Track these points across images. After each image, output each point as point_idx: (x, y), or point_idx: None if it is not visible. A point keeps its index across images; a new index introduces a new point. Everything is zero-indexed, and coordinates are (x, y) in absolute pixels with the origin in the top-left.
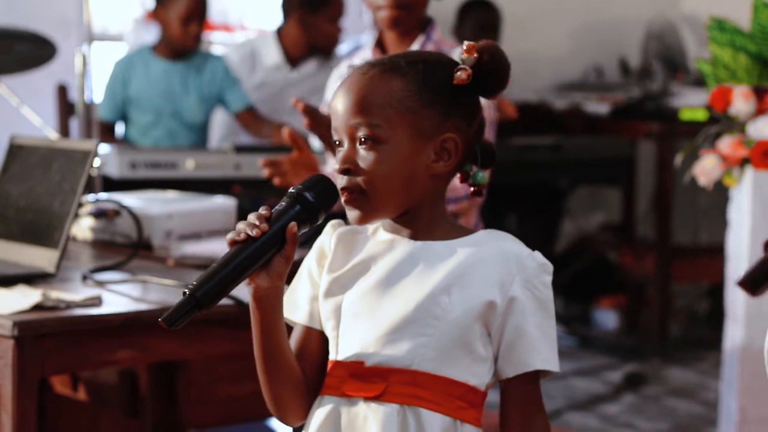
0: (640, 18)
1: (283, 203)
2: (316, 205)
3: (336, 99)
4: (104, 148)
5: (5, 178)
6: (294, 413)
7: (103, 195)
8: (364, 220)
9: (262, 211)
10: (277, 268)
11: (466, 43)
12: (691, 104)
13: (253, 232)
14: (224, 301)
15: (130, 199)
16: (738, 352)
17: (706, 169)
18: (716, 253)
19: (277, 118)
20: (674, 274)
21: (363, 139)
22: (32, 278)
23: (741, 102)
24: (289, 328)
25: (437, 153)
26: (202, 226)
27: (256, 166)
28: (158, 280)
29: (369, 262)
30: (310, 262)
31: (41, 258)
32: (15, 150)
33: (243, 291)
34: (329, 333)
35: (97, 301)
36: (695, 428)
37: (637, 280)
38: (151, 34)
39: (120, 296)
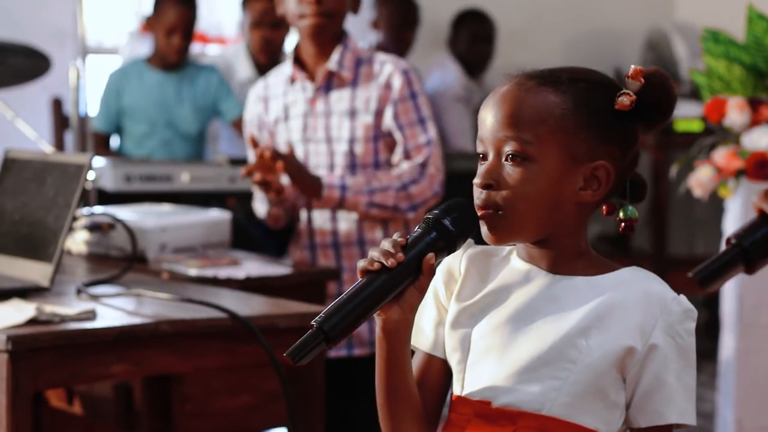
0: (635, 29)
1: (419, 229)
2: (455, 233)
3: (486, 109)
4: (99, 162)
5: None
6: None
7: (97, 208)
8: (498, 240)
9: (398, 237)
10: (410, 300)
11: (632, 67)
12: (686, 115)
13: (389, 262)
14: (218, 314)
15: (124, 213)
16: (734, 363)
17: (701, 180)
18: None
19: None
20: (670, 285)
21: (510, 155)
22: (26, 292)
23: (736, 113)
24: None
25: (587, 180)
26: (197, 239)
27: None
28: (153, 293)
29: (502, 293)
30: (437, 284)
31: (35, 272)
32: (9, 163)
33: (238, 304)
34: (454, 366)
35: (91, 315)
36: None
37: None
38: (146, 47)
39: (114, 310)
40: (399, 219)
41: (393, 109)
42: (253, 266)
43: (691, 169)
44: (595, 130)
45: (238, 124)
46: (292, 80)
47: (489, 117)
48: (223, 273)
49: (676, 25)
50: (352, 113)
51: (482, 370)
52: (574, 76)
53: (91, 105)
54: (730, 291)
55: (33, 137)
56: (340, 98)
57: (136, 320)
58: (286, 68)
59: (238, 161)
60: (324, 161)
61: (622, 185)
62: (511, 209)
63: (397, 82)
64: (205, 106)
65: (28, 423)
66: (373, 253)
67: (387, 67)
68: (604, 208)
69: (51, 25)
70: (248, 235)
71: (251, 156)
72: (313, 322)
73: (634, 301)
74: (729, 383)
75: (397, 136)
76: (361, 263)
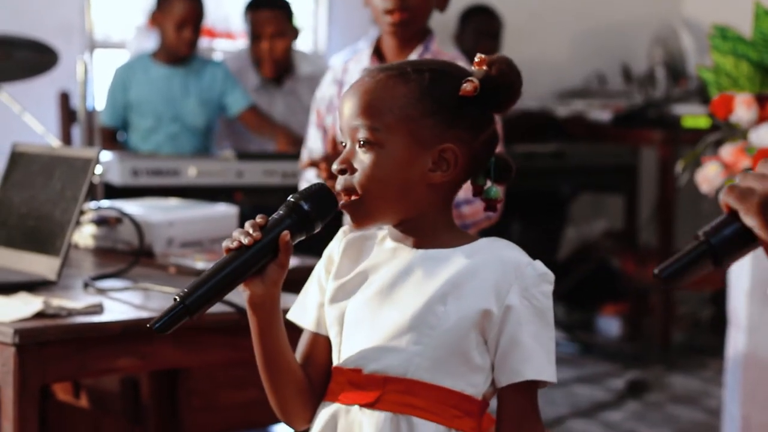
0: (642, 24)
1: (280, 212)
2: (312, 215)
3: (343, 100)
4: (106, 156)
5: (7, 185)
6: (299, 417)
7: (104, 202)
8: (360, 225)
9: (258, 219)
10: (272, 276)
11: (478, 55)
12: (693, 112)
13: (246, 240)
14: (225, 308)
15: (131, 207)
16: (741, 359)
17: (708, 176)
18: None
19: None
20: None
21: (362, 142)
22: (34, 286)
23: (743, 110)
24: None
25: (435, 162)
26: (203, 233)
27: (259, 173)
28: (159, 287)
29: (372, 270)
30: (319, 268)
31: (43, 265)
32: (17, 157)
33: (242, 299)
34: (333, 339)
35: (98, 309)
36: None
37: (639, 287)
38: (153, 41)
39: (121, 304)
40: None
41: None
42: None
43: (698, 165)
44: (440, 116)
45: (243, 117)
46: None
47: (345, 108)
48: None
49: (683, 21)
50: None
51: (355, 340)
52: (420, 67)
53: (99, 99)
54: (736, 287)
55: (40, 131)
56: None
57: (143, 314)
58: (364, 57)
59: (246, 156)
60: None
61: (481, 166)
62: (365, 192)
63: None
64: (210, 99)
65: (35, 416)
66: (235, 233)
67: None
68: (473, 189)
69: (58, 19)
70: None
71: (312, 133)
72: (175, 296)
73: (490, 267)
74: (736, 379)
75: None
76: (225, 242)
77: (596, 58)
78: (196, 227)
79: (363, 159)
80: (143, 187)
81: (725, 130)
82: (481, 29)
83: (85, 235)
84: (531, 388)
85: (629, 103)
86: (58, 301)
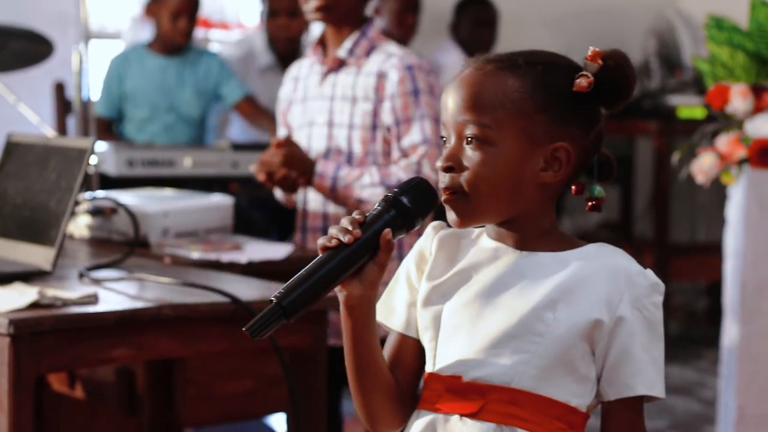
0: (637, 15)
1: (378, 207)
2: (413, 210)
3: (447, 93)
4: (101, 146)
5: (2, 175)
6: (386, 424)
7: (100, 193)
8: (463, 223)
9: (356, 215)
10: (370, 276)
11: (591, 48)
12: (688, 102)
13: (345, 238)
14: (220, 298)
15: (126, 197)
16: (736, 350)
17: (703, 167)
18: (714, 250)
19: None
20: (672, 272)
21: (470, 138)
22: (29, 276)
23: (739, 100)
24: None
25: (547, 161)
26: (199, 224)
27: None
28: (155, 278)
29: (471, 271)
30: (409, 265)
31: (38, 256)
32: (12, 148)
33: (242, 288)
34: (426, 344)
35: (93, 299)
36: (694, 426)
37: None
38: (148, 32)
39: (116, 294)
40: None
41: (391, 103)
42: (255, 251)
43: (694, 156)
44: (553, 112)
45: (240, 106)
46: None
47: (450, 101)
48: (226, 257)
49: (678, 11)
50: (353, 100)
51: (453, 346)
52: (532, 59)
53: (94, 89)
54: (732, 277)
55: (35, 121)
56: (345, 83)
57: (138, 304)
58: (308, 50)
59: (241, 146)
60: (323, 145)
61: (587, 165)
62: (473, 191)
63: (395, 76)
64: (206, 90)
65: (30, 407)
66: (332, 230)
67: (392, 59)
68: (573, 188)
69: (53, 9)
70: (251, 219)
71: (280, 133)
72: (272, 297)
73: (601, 275)
74: (731, 370)
75: (393, 131)
76: (321, 240)
77: (589, 49)
78: (191, 218)
79: (471, 156)
80: (138, 178)
81: (721, 121)
82: (477, 19)
83: (80, 225)
84: (639, 402)
85: None
86: (53, 292)
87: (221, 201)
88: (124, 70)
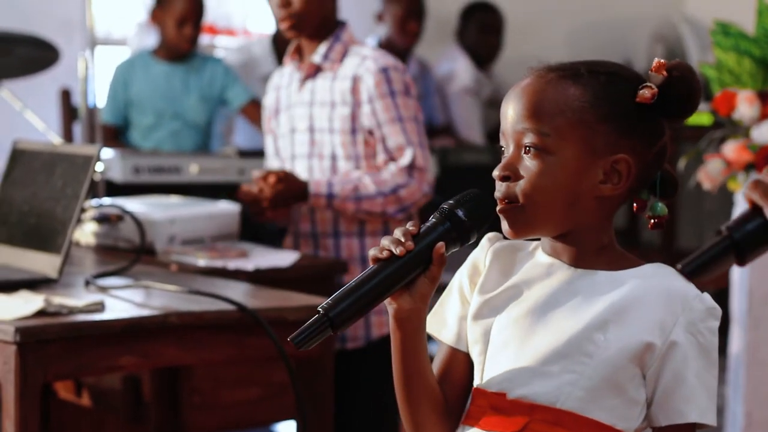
0: (643, 21)
1: (433, 219)
2: (468, 224)
3: (507, 101)
4: (107, 153)
5: (8, 182)
6: None
7: (106, 200)
8: (516, 234)
9: (410, 227)
10: (422, 290)
11: (656, 60)
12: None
13: (397, 250)
14: (227, 306)
15: (133, 204)
16: (743, 357)
17: (710, 173)
18: None
19: None
20: None
21: (528, 147)
22: (35, 284)
23: (745, 106)
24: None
25: (606, 174)
26: (205, 231)
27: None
28: (161, 285)
29: (524, 286)
30: (462, 277)
31: (44, 263)
32: (18, 155)
33: (248, 297)
34: (475, 358)
35: (99, 307)
36: None
37: None
38: (154, 38)
39: (123, 302)
40: (379, 221)
41: (370, 106)
42: (261, 258)
43: (701, 162)
44: (615, 123)
45: (246, 110)
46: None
47: (509, 110)
48: (232, 265)
49: (685, 17)
50: (332, 104)
51: (501, 361)
52: (595, 69)
53: (100, 96)
54: (739, 285)
55: (41, 128)
56: (323, 89)
57: (144, 312)
58: (287, 58)
59: (248, 153)
60: (306, 150)
61: (648, 180)
62: (529, 201)
63: (370, 79)
64: (211, 95)
65: (37, 414)
66: (384, 241)
67: (367, 62)
68: (634, 204)
69: (59, 16)
70: (257, 227)
71: (266, 140)
72: (319, 308)
73: (655, 297)
74: (738, 377)
75: (376, 134)
76: (372, 251)
77: (597, 54)
78: (197, 225)
79: (529, 166)
80: (144, 185)
81: (728, 127)
82: (483, 25)
83: (86, 232)
84: (691, 429)
85: None
86: (60, 299)
87: (227, 208)
88: (130, 76)
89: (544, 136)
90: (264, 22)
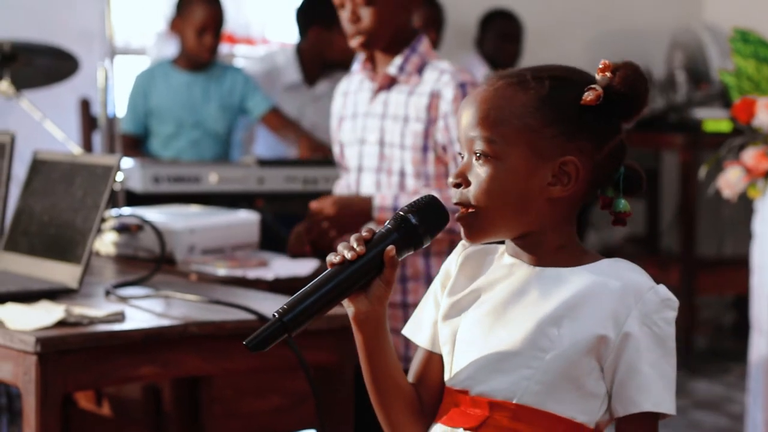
0: (662, 28)
1: (388, 225)
2: (420, 229)
3: (461, 110)
4: (127, 163)
5: (28, 193)
6: None
7: (125, 210)
8: (474, 238)
9: (364, 233)
10: (377, 292)
11: (602, 61)
12: (714, 116)
13: (350, 255)
14: (247, 315)
15: (152, 214)
16: (764, 364)
17: (730, 181)
18: (741, 264)
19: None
20: (699, 286)
21: (478, 154)
22: (55, 294)
23: (765, 114)
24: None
25: (555, 176)
26: (225, 240)
27: (280, 180)
28: (181, 295)
29: (488, 287)
30: (436, 283)
31: (64, 273)
32: (38, 165)
33: (269, 307)
34: (445, 357)
35: (120, 317)
36: None
37: None
38: (173, 48)
39: (143, 312)
40: (444, 240)
41: (444, 122)
42: (281, 267)
43: (720, 169)
44: (561, 127)
45: (266, 119)
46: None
47: (463, 118)
48: (252, 274)
49: (704, 25)
50: (405, 119)
51: (465, 360)
52: (540, 75)
53: (119, 106)
54: (759, 291)
55: (61, 138)
56: (397, 102)
57: (164, 322)
58: (356, 66)
59: (267, 162)
60: (375, 164)
61: (605, 179)
62: (481, 207)
63: (449, 94)
64: (231, 104)
65: (57, 425)
66: (339, 246)
67: (444, 76)
68: (600, 202)
69: (79, 26)
70: (277, 236)
71: (336, 151)
72: (274, 313)
73: (609, 291)
74: (759, 384)
75: (449, 150)
76: (329, 256)
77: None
78: (217, 234)
79: (479, 172)
80: (164, 194)
81: (747, 135)
82: (502, 33)
83: (106, 242)
84: (650, 419)
85: (650, 108)
86: (80, 309)
87: (247, 217)
88: (150, 86)
89: (492, 143)
90: (282, 31)
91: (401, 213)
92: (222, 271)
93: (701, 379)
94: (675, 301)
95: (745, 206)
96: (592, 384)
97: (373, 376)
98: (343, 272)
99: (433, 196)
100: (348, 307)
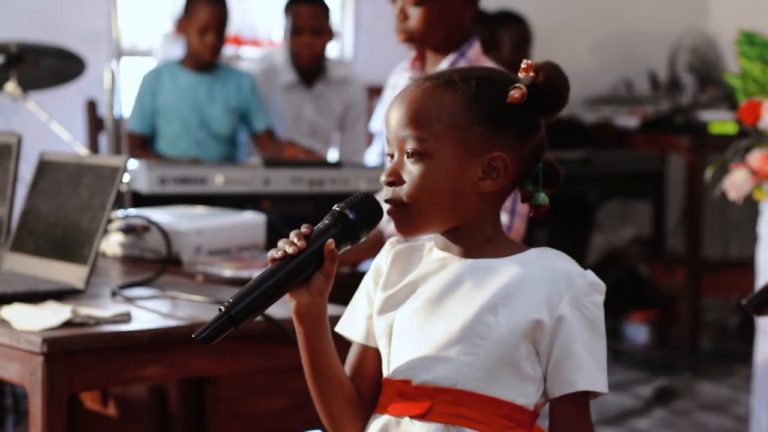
0: (669, 31)
1: (326, 221)
2: (357, 224)
3: (390, 110)
4: (133, 164)
5: (35, 194)
6: (348, 430)
7: (132, 211)
8: (406, 233)
9: (303, 229)
10: (318, 285)
11: (524, 61)
12: (720, 118)
13: (290, 250)
14: None
15: (159, 215)
16: None
17: (736, 183)
18: (746, 266)
19: (297, 140)
20: (704, 288)
21: (410, 152)
22: (62, 294)
23: None
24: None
25: (485, 171)
26: (231, 241)
27: (286, 181)
28: (187, 296)
29: (420, 281)
30: (367, 280)
31: (70, 274)
32: (44, 166)
33: (275, 307)
34: (382, 350)
35: (126, 318)
36: None
37: (667, 294)
38: (180, 49)
39: (149, 312)
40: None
41: None
42: None
43: (726, 171)
44: (488, 124)
45: (259, 137)
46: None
47: (392, 118)
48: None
49: (710, 27)
50: None
51: (403, 352)
52: (467, 75)
53: (126, 107)
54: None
55: (68, 139)
56: None
57: (170, 323)
58: (404, 64)
59: (273, 163)
60: None
61: (529, 173)
62: (413, 203)
63: None
64: (237, 107)
65: (63, 425)
66: (280, 242)
67: None
68: (520, 195)
69: (85, 27)
70: (283, 237)
71: (378, 144)
72: (220, 307)
73: (541, 278)
74: (764, 386)
75: None
76: (270, 252)
77: (623, 64)
78: (223, 235)
79: (411, 170)
80: (170, 195)
81: (753, 137)
82: (518, 39)
83: (112, 243)
84: (584, 398)
85: (656, 110)
86: (86, 310)
87: (253, 218)
88: (157, 85)
89: (423, 141)
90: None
91: (338, 209)
92: (228, 272)
93: (706, 381)
94: (602, 286)
95: (750, 208)
96: (528, 368)
97: (313, 369)
98: (285, 266)
99: (368, 193)
100: (290, 302)
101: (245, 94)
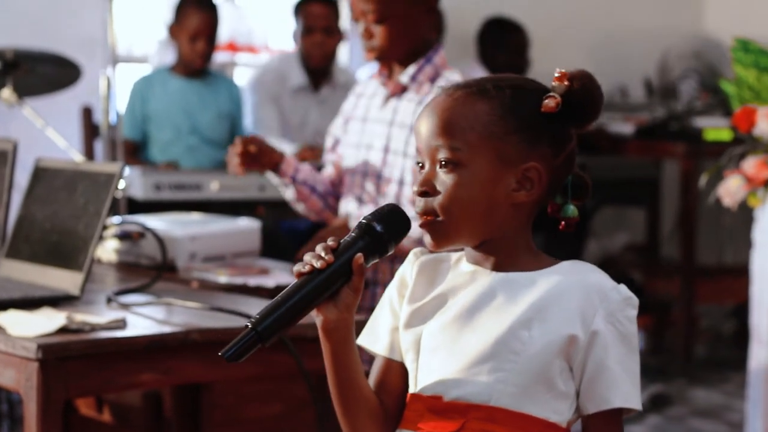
0: (664, 38)
1: (353, 234)
2: (385, 237)
3: (420, 120)
4: (128, 170)
5: (30, 200)
6: None
7: (127, 217)
8: (439, 246)
9: (330, 242)
10: (345, 300)
11: (558, 70)
12: (715, 125)
13: (318, 264)
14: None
15: (154, 221)
16: (763, 373)
17: (730, 189)
18: (741, 273)
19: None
20: (699, 295)
21: (443, 162)
22: (57, 301)
23: (765, 123)
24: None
25: (519, 182)
26: (226, 248)
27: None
28: (182, 302)
29: (449, 294)
30: (391, 291)
31: (66, 280)
32: (40, 172)
33: None
34: (409, 365)
35: (121, 324)
36: None
37: (661, 300)
38: (174, 55)
39: (144, 319)
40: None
41: None
42: (283, 275)
43: (721, 178)
44: (523, 134)
45: None
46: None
47: (422, 128)
48: (253, 282)
49: (705, 34)
50: (411, 128)
51: (433, 367)
52: (500, 84)
53: (121, 114)
54: (759, 300)
55: (63, 146)
56: (405, 110)
57: (166, 329)
58: (374, 70)
59: None
60: (378, 170)
61: (560, 184)
62: (447, 214)
63: None
64: (228, 113)
65: (58, 431)
66: (306, 256)
67: None
68: (549, 207)
69: (81, 34)
70: (278, 243)
71: (329, 143)
72: (247, 323)
73: (574, 292)
74: (759, 393)
75: None
76: (296, 267)
77: (618, 71)
78: (218, 242)
79: (445, 180)
80: (165, 202)
81: (748, 143)
82: (514, 47)
83: (108, 249)
84: (618, 415)
85: (651, 116)
86: (82, 316)
87: (248, 225)
88: (147, 92)
89: (457, 150)
90: (284, 39)
91: (365, 221)
92: (223, 279)
93: (701, 388)
94: (636, 300)
95: (745, 215)
96: (561, 384)
97: (339, 385)
98: (312, 281)
99: (394, 204)
100: (317, 317)
101: (236, 101)
